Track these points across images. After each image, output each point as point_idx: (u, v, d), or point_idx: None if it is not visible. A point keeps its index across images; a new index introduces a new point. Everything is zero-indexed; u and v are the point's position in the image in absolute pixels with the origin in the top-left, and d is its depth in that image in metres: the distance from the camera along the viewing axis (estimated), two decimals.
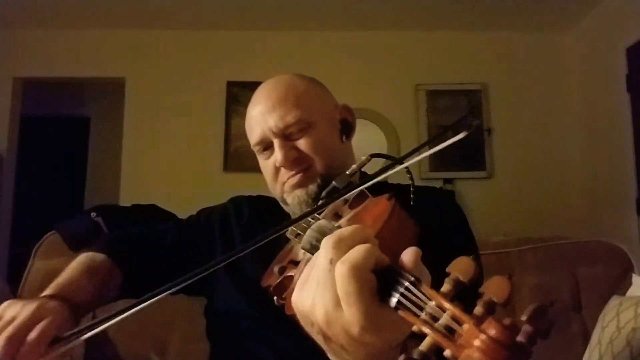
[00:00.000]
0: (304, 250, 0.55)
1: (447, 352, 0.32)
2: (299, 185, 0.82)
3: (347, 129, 0.93)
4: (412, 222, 0.53)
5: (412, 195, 0.70)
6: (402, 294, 0.37)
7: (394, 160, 0.65)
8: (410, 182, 0.71)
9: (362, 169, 0.76)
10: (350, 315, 0.38)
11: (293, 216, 0.85)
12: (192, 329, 1.41)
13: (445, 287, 0.36)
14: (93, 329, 0.57)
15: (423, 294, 0.36)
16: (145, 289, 0.58)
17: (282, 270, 0.59)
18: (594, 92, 3.34)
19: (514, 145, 3.49)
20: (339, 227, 0.53)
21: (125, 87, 3.55)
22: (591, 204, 3.33)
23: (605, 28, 3.19)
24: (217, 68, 3.52)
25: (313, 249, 0.51)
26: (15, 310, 0.62)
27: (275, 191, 0.88)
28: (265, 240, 0.55)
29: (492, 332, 0.31)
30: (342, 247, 0.40)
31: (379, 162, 0.71)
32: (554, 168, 3.49)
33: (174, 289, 0.53)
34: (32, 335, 0.59)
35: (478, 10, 3.31)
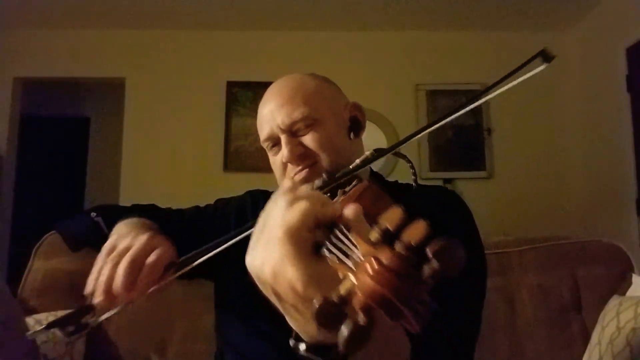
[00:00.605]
0: None
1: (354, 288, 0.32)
2: (305, 180, 0.83)
3: (356, 126, 0.93)
4: (388, 201, 0.53)
5: (414, 188, 0.72)
6: (332, 243, 0.38)
7: (397, 154, 0.66)
8: (413, 178, 0.72)
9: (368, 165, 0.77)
10: (291, 273, 0.39)
11: None
12: (192, 329, 1.41)
13: (373, 234, 0.34)
14: (202, 256, 0.64)
15: (350, 241, 0.36)
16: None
17: None
18: (594, 92, 3.34)
19: (514, 145, 3.50)
20: None
21: (125, 87, 3.55)
22: (591, 204, 3.33)
23: (605, 28, 3.19)
24: (217, 68, 3.52)
25: None
26: (128, 241, 0.67)
27: None
28: (246, 234, 0.57)
29: (383, 258, 0.30)
30: (288, 199, 0.42)
31: (389, 158, 0.71)
32: (554, 168, 3.49)
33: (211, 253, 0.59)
34: (151, 259, 0.64)
35: (478, 10, 3.31)
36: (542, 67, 0.59)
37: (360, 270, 0.31)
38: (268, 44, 3.52)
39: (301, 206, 0.41)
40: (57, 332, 0.60)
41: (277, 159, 0.87)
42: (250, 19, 3.43)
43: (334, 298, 0.32)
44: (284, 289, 0.40)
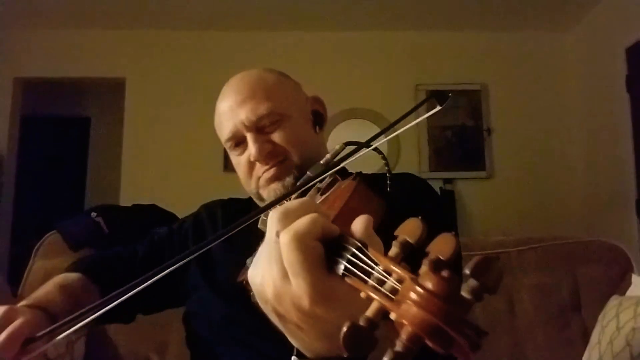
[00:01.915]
0: None
1: (392, 315, 0.30)
2: (275, 178, 0.81)
3: (319, 120, 0.92)
4: (377, 200, 0.52)
5: (388, 182, 0.68)
6: (348, 261, 0.35)
7: (365, 146, 0.64)
8: (386, 169, 0.69)
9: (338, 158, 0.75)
10: (298, 287, 0.36)
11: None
12: None
13: (393, 250, 0.34)
14: (69, 328, 0.54)
15: (370, 259, 0.34)
16: (127, 306, 0.57)
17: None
18: (594, 92, 3.34)
19: (514, 145, 3.50)
20: None
21: (126, 87, 3.55)
22: (591, 204, 3.33)
23: (605, 28, 3.19)
24: (217, 68, 3.51)
25: None
26: None
27: (249, 187, 0.86)
28: (232, 232, 0.53)
29: (429, 284, 0.29)
30: (289, 219, 0.39)
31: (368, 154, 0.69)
32: (554, 168, 3.49)
33: (145, 284, 0.51)
34: (2, 336, 0.58)
35: (478, 10, 3.31)
36: (438, 108, 0.61)
37: (401, 297, 0.30)
38: (267, 44, 3.52)
39: (309, 216, 0.38)
40: None
41: (242, 158, 0.83)
42: (249, 20, 3.43)
43: (362, 323, 0.30)
44: (287, 306, 0.38)
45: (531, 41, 3.60)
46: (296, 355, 0.43)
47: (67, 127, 4.64)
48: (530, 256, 1.47)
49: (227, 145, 0.85)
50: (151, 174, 3.41)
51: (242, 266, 0.64)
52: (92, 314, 0.52)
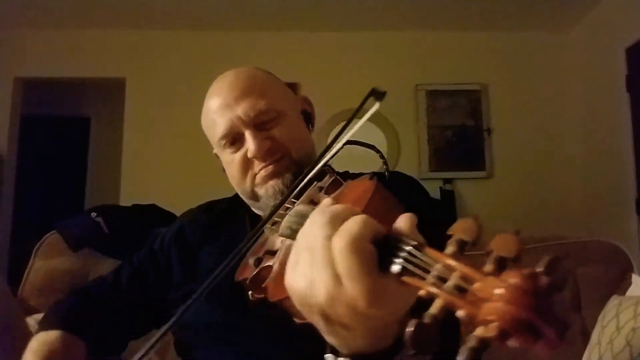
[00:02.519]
0: (282, 238, 0.54)
1: (460, 313, 0.31)
2: (274, 175, 0.79)
3: (308, 120, 0.91)
4: (396, 200, 0.52)
5: (386, 179, 0.68)
6: (405, 259, 0.36)
7: (369, 147, 0.64)
8: (384, 167, 0.69)
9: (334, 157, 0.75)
10: (354, 290, 0.36)
11: (264, 210, 0.83)
12: None
13: (450, 248, 0.34)
14: None
15: (428, 256, 0.35)
16: (117, 339, 0.56)
17: (259, 261, 0.58)
18: (594, 92, 3.34)
19: (513, 145, 3.49)
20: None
21: (126, 87, 3.55)
22: (591, 204, 3.33)
23: (605, 28, 3.19)
24: (217, 68, 3.50)
25: (294, 233, 0.49)
26: None
27: (243, 186, 0.84)
28: (248, 245, 0.53)
29: (515, 280, 0.29)
30: (337, 222, 0.39)
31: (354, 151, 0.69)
32: (554, 168, 3.49)
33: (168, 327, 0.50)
34: None
35: (478, 10, 3.31)
36: (376, 106, 0.62)
37: (479, 294, 0.30)
38: (267, 44, 3.52)
39: (360, 217, 0.38)
40: None
41: (237, 156, 0.81)
42: (249, 19, 3.43)
43: (428, 320, 0.31)
44: (341, 308, 0.37)
45: (531, 41, 3.59)
46: (331, 353, 0.43)
47: (67, 127, 4.63)
48: (530, 256, 1.46)
49: (221, 144, 0.83)
50: (151, 174, 3.41)
51: (238, 265, 0.63)
52: None
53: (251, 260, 0.59)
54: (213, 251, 0.86)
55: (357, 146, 0.70)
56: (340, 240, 0.37)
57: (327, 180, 0.64)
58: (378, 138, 3.37)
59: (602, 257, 1.45)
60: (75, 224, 1.71)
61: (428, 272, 0.34)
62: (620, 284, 1.37)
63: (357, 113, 0.62)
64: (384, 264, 0.37)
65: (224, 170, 0.91)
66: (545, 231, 2.82)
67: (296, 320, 0.48)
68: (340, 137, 0.60)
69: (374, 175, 0.54)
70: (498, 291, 0.29)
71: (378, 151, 0.65)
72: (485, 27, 3.55)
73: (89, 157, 4.62)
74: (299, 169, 0.78)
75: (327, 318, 0.39)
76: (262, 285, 0.54)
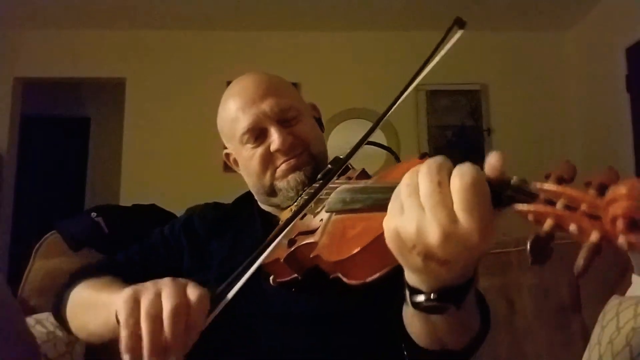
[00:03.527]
0: (320, 217, 0.60)
1: (572, 227, 0.37)
2: (296, 168, 0.84)
3: (318, 124, 0.96)
4: None
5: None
6: (514, 191, 0.41)
7: (388, 150, 0.68)
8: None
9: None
10: (472, 225, 0.40)
11: (280, 206, 0.87)
12: None
13: (550, 182, 0.40)
14: (236, 282, 0.55)
15: (533, 187, 0.40)
16: None
17: (292, 242, 0.61)
18: (594, 92, 3.34)
19: (514, 145, 3.49)
20: (368, 184, 0.58)
21: (126, 87, 3.55)
22: None
23: (604, 28, 3.19)
24: (217, 68, 3.52)
25: (349, 203, 0.55)
26: (151, 289, 0.55)
27: (262, 181, 0.87)
28: (290, 225, 0.57)
29: (627, 186, 0.34)
30: (444, 170, 0.43)
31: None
32: (554, 168, 3.49)
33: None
34: (193, 296, 0.53)
35: (478, 10, 3.31)
36: (459, 34, 0.68)
37: (607, 200, 0.35)
38: (267, 43, 3.52)
39: (468, 163, 0.42)
40: None
41: (259, 151, 0.85)
42: (249, 19, 3.43)
43: (542, 234, 0.38)
44: (452, 245, 0.41)
45: (531, 41, 3.60)
46: (412, 294, 0.47)
47: (67, 127, 4.64)
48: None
49: (243, 139, 0.85)
50: (151, 174, 3.41)
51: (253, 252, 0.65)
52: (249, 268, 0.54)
53: (284, 241, 0.61)
54: (222, 245, 0.88)
55: (373, 142, 0.75)
56: (461, 180, 0.41)
57: (352, 173, 0.70)
58: (378, 138, 3.37)
59: (602, 257, 1.44)
60: (75, 224, 1.70)
61: (536, 199, 0.39)
62: (620, 284, 1.37)
63: (441, 43, 0.71)
64: (495, 200, 0.42)
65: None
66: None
67: (351, 281, 0.52)
68: (427, 64, 0.70)
69: (424, 154, 0.59)
70: (623, 191, 0.34)
71: (393, 153, 0.71)
72: (485, 27, 3.55)
73: (88, 157, 4.62)
74: (316, 164, 0.84)
75: (429, 257, 0.43)
76: (310, 256, 0.57)
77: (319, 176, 0.76)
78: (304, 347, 0.74)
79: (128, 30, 3.54)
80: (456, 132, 3.51)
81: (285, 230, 0.57)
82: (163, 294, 0.53)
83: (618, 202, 0.34)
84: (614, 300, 1.25)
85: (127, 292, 0.54)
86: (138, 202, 2.17)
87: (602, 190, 0.36)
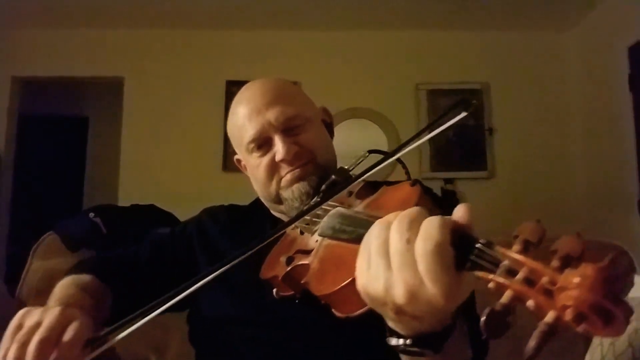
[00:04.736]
0: (317, 238, 0.59)
1: (530, 303, 0.35)
2: (300, 178, 0.83)
3: (328, 129, 0.95)
4: (435, 207, 0.56)
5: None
6: (477, 256, 0.40)
7: (390, 155, 0.67)
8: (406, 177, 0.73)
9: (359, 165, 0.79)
10: (436, 289, 0.40)
11: (287, 214, 0.87)
12: None
13: (515, 247, 0.38)
14: (128, 328, 0.56)
15: (497, 253, 0.39)
16: (131, 310, 0.58)
17: (290, 260, 0.62)
18: (596, 92, 3.33)
19: (514, 145, 3.49)
20: (360, 212, 0.57)
21: (124, 86, 3.54)
22: (593, 204, 3.32)
23: (606, 27, 3.18)
24: (217, 68, 3.51)
25: (338, 232, 0.54)
26: (37, 316, 0.59)
27: (268, 190, 0.87)
28: (275, 237, 0.57)
29: (591, 271, 0.33)
30: (416, 226, 0.42)
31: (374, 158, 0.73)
32: (556, 168, 3.48)
33: (176, 299, 0.54)
34: (67, 336, 0.56)
35: (478, 10, 3.30)
36: (463, 114, 0.66)
37: (562, 284, 0.34)
38: (267, 43, 3.51)
39: (437, 221, 0.41)
40: None
41: (264, 160, 0.84)
42: (249, 19, 3.42)
43: (499, 308, 0.36)
44: (420, 305, 0.41)
45: (533, 40, 3.59)
46: (392, 336, 0.48)
47: (65, 126, 4.63)
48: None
49: (249, 148, 0.85)
50: (150, 174, 3.40)
51: (258, 264, 0.68)
52: (147, 315, 0.55)
53: (282, 259, 0.63)
54: (232, 247, 0.88)
55: (377, 150, 0.74)
56: (424, 245, 0.40)
57: (356, 185, 0.68)
58: (379, 137, 3.36)
59: (603, 257, 1.44)
60: (73, 224, 1.70)
61: (497, 267, 0.38)
62: None
63: (441, 117, 0.69)
64: (458, 262, 0.41)
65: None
66: (546, 231, 2.81)
67: (337, 314, 0.52)
68: (421, 136, 0.68)
69: (416, 181, 0.58)
70: (576, 280, 0.33)
71: (401, 162, 0.70)
72: (485, 27, 3.54)
73: (87, 157, 4.61)
74: (323, 174, 0.82)
75: (400, 313, 0.43)
76: (301, 281, 0.58)
77: (322, 187, 0.74)
78: (308, 355, 0.75)
79: (127, 29, 3.52)
80: (457, 132, 3.50)
81: (246, 255, 0.57)
82: (42, 324, 0.56)
83: (569, 291, 0.33)
84: None
85: (19, 313, 0.60)
86: (137, 202, 2.17)
87: (565, 262, 0.36)
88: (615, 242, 1.48)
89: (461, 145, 3.48)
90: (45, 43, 3.51)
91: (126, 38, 3.55)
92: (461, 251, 0.41)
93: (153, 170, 3.41)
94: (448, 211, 0.44)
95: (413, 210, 0.44)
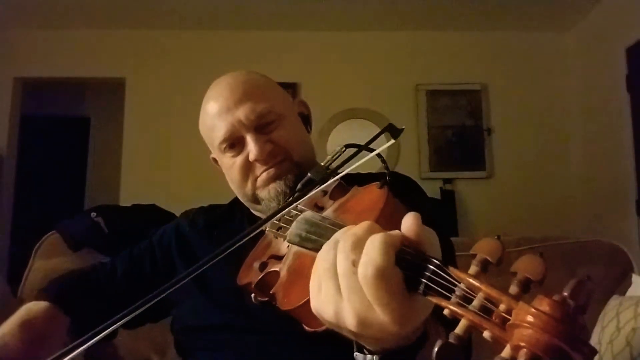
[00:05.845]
0: (289, 244, 0.54)
1: (486, 334, 0.32)
2: (276, 177, 0.79)
3: (306, 122, 0.91)
4: (404, 206, 0.52)
5: (388, 180, 0.71)
6: (429, 279, 0.36)
7: (366, 149, 0.64)
8: (385, 170, 0.70)
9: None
10: (385, 316, 0.37)
11: (265, 213, 0.83)
12: None
13: (473, 268, 0.35)
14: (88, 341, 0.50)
15: (451, 276, 0.35)
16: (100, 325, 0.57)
17: (264, 266, 0.58)
18: (594, 92, 3.33)
19: (513, 145, 3.49)
20: (326, 218, 0.53)
21: (126, 87, 3.55)
22: (591, 204, 3.33)
23: (605, 28, 3.19)
24: (217, 68, 3.50)
25: (304, 241, 0.50)
26: None
27: (244, 190, 0.84)
28: (243, 241, 0.53)
29: (545, 307, 0.30)
30: (361, 246, 0.39)
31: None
32: (554, 168, 3.49)
33: (138, 311, 0.49)
34: None
35: (478, 10, 3.31)
36: (391, 142, 0.63)
37: (515, 320, 0.31)
38: (268, 43, 3.52)
39: (381, 242, 0.37)
40: None
41: (238, 160, 0.80)
42: (249, 19, 3.43)
43: (453, 340, 0.33)
44: (372, 330, 0.38)
45: (531, 41, 3.59)
46: (360, 352, 0.44)
47: (67, 127, 4.63)
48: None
49: (221, 148, 0.82)
50: (151, 174, 3.41)
51: (236, 270, 0.65)
52: (80, 346, 0.49)
53: (256, 264, 0.59)
54: (209, 250, 0.87)
55: (354, 144, 0.71)
56: (366, 271, 0.37)
57: (330, 184, 0.64)
58: (378, 138, 3.36)
59: (602, 257, 1.44)
60: (74, 224, 1.70)
61: (452, 291, 0.35)
62: (620, 284, 1.37)
63: (369, 143, 0.64)
64: (410, 284, 0.37)
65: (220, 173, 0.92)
66: (545, 231, 2.82)
67: (306, 327, 0.49)
68: (345, 167, 0.62)
69: (384, 183, 0.54)
70: (529, 318, 0.30)
71: (380, 156, 0.66)
72: (485, 27, 3.55)
73: (88, 157, 4.61)
74: (300, 171, 0.78)
75: (357, 335, 0.40)
76: (270, 292, 0.55)
77: (298, 186, 0.69)
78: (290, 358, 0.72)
79: (128, 30, 3.53)
80: (456, 132, 3.51)
81: (213, 261, 0.54)
82: None
83: (522, 329, 0.30)
84: (614, 300, 1.25)
85: None
86: (138, 202, 2.17)
87: (524, 287, 0.33)
88: (614, 242, 1.49)
89: (460, 146, 3.49)
90: (47, 44, 3.52)
91: (128, 39, 3.56)
92: (411, 272, 0.37)
93: (154, 170, 3.41)
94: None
95: (360, 227, 0.40)
